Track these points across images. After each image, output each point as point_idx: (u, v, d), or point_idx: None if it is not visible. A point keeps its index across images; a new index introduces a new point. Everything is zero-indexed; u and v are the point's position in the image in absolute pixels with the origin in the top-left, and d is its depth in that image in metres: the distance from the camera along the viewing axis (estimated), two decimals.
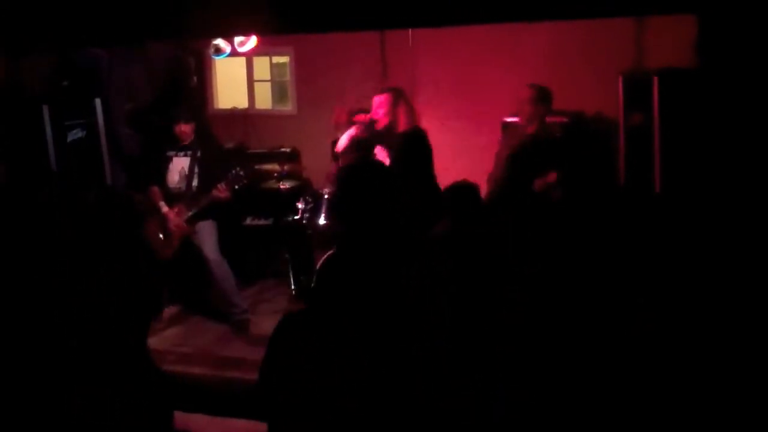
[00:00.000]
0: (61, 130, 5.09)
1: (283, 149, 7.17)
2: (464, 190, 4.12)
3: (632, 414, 3.93)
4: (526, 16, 4.36)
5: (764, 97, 4.40)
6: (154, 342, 4.67)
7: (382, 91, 5.37)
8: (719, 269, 4.57)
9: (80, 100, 5.33)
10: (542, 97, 5.49)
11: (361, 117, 5.38)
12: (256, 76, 7.65)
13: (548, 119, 5.79)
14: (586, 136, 6.07)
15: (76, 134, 5.23)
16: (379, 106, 5.28)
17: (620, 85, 5.74)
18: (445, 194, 4.37)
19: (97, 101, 5.40)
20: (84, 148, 5.28)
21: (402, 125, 5.24)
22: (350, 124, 5.50)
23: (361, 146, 5.41)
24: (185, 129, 5.89)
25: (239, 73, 7.68)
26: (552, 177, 5.35)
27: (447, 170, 4.67)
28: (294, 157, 7.18)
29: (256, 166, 6.75)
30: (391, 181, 2.67)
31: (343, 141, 5.45)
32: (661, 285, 4.82)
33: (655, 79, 5.41)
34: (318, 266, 4.97)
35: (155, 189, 5.75)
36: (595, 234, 5.37)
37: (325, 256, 2.85)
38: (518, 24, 5.86)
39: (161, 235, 5.58)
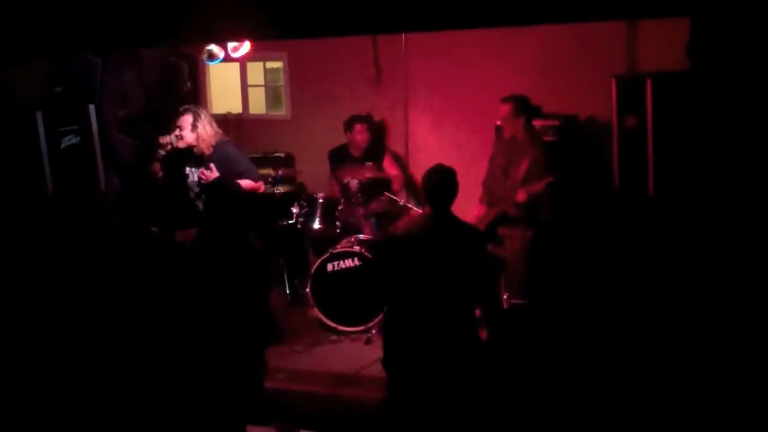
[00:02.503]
0: (54, 137, 5.07)
1: (277, 154, 7.19)
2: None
3: (634, 406, 3.96)
4: (518, 20, 4.36)
5: (757, 99, 4.42)
6: None
7: (181, 112, 5.46)
8: (713, 270, 4.59)
9: (74, 107, 5.32)
10: (521, 107, 5.51)
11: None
12: (249, 81, 7.64)
13: (540, 123, 5.81)
14: (579, 139, 6.08)
15: (69, 140, 5.22)
16: (181, 128, 5.40)
17: (613, 87, 5.75)
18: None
19: (91, 107, 5.39)
20: (78, 155, 5.27)
21: (207, 144, 5.35)
22: None
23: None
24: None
25: (233, 79, 7.68)
26: (535, 188, 5.39)
27: None
28: (288, 161, 7.19)
29: None
30: None
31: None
32: (657, 285, 4.84)
33: (649, 82, 5.42)
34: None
35: None
36: (591, 236, 5.38)
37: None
38: (511, 27, 5.87)
39: None
